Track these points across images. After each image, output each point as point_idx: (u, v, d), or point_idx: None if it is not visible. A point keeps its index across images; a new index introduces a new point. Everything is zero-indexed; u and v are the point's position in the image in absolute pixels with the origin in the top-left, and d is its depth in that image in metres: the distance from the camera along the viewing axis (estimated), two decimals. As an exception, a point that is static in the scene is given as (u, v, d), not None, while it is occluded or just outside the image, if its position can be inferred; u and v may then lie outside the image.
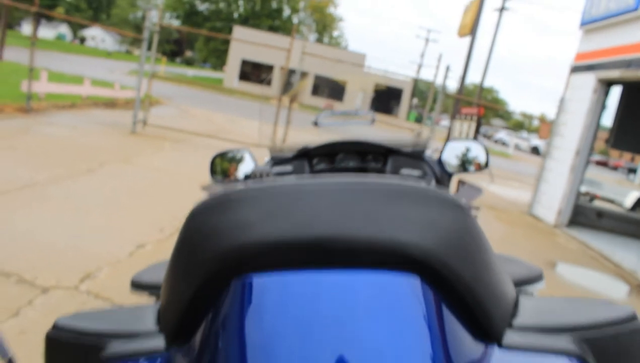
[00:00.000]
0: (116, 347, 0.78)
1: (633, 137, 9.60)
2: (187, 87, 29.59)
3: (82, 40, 77.57)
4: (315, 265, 0.67)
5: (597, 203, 11.79)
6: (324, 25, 60.21)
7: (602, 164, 46.22)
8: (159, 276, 1.16)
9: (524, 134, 67.21)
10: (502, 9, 30.81)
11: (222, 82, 39.82)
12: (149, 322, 0.84)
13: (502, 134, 53.22)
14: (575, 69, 9.78)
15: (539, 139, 51.62)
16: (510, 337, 0.75)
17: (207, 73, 56.15)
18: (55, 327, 0.84)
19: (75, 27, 77.38)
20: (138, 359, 0.76)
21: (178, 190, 6.50)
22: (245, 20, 53.26)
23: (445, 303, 0.70)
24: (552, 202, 9.63)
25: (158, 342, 0.78)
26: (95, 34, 77.84)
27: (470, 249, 0.73)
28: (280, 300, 0.66)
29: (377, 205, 0.70)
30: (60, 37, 71.87)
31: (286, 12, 56.31)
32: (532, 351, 0.72)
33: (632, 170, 38.17)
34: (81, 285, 3.44)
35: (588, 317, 0.78)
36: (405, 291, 0.67)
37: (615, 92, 9.69)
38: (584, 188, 12.76)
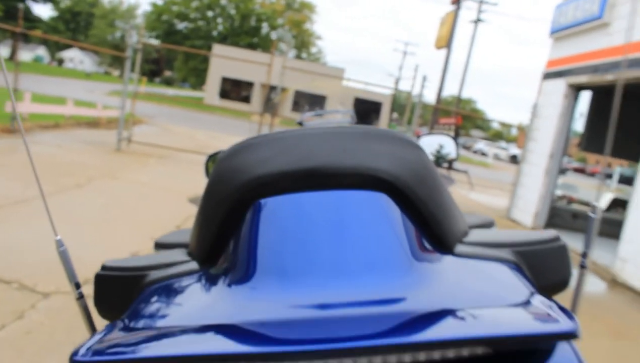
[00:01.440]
0: (157, 274, 1.00)
1: (603, 139, 9.96)
2: (168, 106, 29.72)
3: (60, 62, 77.29)
4: (313, 188, 0.91)
5: (573, 206, 12.14)
6: (302, 41, 60.80)
7: (580, 170, 46.95)
8: (180, 238, 1.37)
9: (503, 143, 68.06)
10: (477, 21, 31.48)
11: (202, 100, 39.93)
12: (181, 256, 1.06)
13: (481, 145, 53.89)
14: (547, 76, 10.15)
15: (518, 148, 52.33)
16: (460, 248, 0.98)
17: (187, 92, 56.20)
18: (104, 268, 1.06)
19: (53, 49, 77.13)
20: (177, 280, 0.97)
21: (165, 202, 6.66)
22: (224, 38, 53.59)
23: (407, 216, 0.93)
24: (528, 205, 9.94)
25: (192, 266, 1.00)
26: (74, 56, 77.63)
27: (425, 176, 0.97)
28: (287, 214, 0.90)
29: (356, 143, 0.95)
30: (37, 59, 71.50)
31: (265, 29, 56.80)
32: (477, 259, 0.96)
33: (609, 176, 38.90)
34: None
35: (522, 238, 1.03)
36: (380, 206, 0.91)
37: (585, 97, 10.08)
38: (560, 192, 13.16)
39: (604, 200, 13.33)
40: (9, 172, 6.73)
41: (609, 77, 7.93)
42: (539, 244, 1.01)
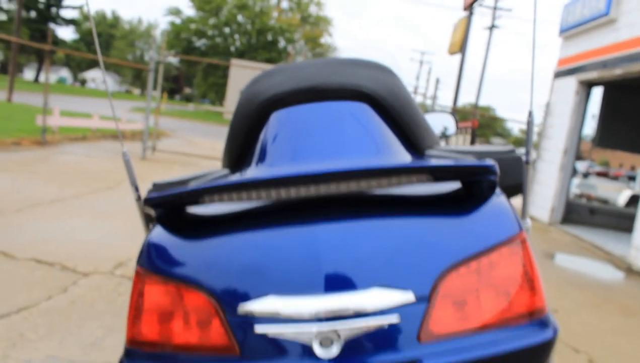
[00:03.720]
0: (197, 181, 1.31)
1: (617, 134, 10.09)
2: (189, 120, 30.36)
3: (83, 82, 78.94)
4: (313, 100, 1.25)
5: (591, 203, 12.22)
6: (320, 54, 61.42)
7: (603, 174, 46.42)
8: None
9: (523, 149, 67.64)
10: (492, 27, 31.63)
11: (222, 115, 40.59)
12: (215, 169, 1.39)
13: (501, 151, 53.68)
14: (558, 74, 10.34)
15: (538, 153, 51.74)
16: (430, 152, 1.28)
17: (207, 108, 57.05)
18: (154, 185, 1.37)
19: (75, 70, 78.88)
20: (214, 182, 1.28)
21: (191, 202, 6.99)
22: (241, 54, 54.33)
23: (385, 122, 1.25)
24: (545, 201, 10.08)
25: (225, 172, 1.31)
26: (95, 76, 79.24)
27: (398, 94, 1.28)
28: (297, 118, 1.22)
29: (344, 68, 1.29)
30: (61, 81, 73.09)
31: (281, 43, 57.50)
32: (446, 158, 1.25)
33: (632, 178, 38.42)
34: (116, 270, 3.92)
35: (484, 149, 1.32)
36: (362, 111, 1.24)
37: (597, 93, 10.23)
38: (578, 191, 13.24)
39: (623, 197, 13.39)
40: (43, 177, 7.14)
41: (617, 72, 8.11)
42: (497, 154, 1.31)
